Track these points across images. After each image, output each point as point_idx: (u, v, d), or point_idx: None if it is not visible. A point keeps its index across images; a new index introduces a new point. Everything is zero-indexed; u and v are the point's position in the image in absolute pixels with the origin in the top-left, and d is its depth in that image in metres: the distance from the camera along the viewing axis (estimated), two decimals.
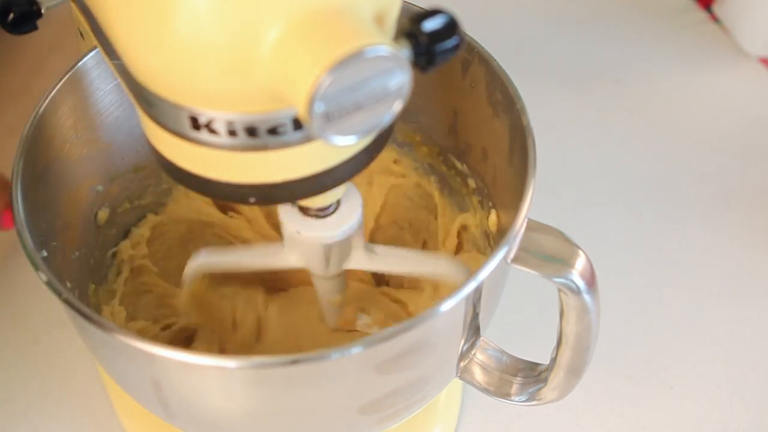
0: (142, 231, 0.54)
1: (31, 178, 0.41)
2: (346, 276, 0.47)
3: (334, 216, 0.42)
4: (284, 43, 0.29)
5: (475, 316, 0.41)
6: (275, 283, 0.56)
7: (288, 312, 0.54)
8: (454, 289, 0.37)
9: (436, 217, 0.55)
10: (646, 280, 0.63)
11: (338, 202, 0.42)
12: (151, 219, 0.54)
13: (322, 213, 0.41)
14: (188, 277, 0.49)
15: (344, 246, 0.43)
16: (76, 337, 0.49)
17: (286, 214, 0.42)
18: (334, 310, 0.50)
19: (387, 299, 0.55)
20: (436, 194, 0.54)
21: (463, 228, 0.52)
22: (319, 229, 0.42)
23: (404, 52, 0.29)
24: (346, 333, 0.53)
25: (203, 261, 0.48)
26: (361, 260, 0.45)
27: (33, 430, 0.55)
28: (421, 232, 0.57)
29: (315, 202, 0.41)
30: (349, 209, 0.42)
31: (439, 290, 0.52)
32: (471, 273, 0.42)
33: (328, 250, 0.43)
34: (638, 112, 0.74)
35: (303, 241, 0.42)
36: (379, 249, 0.46)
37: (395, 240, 0.57)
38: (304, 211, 0.42)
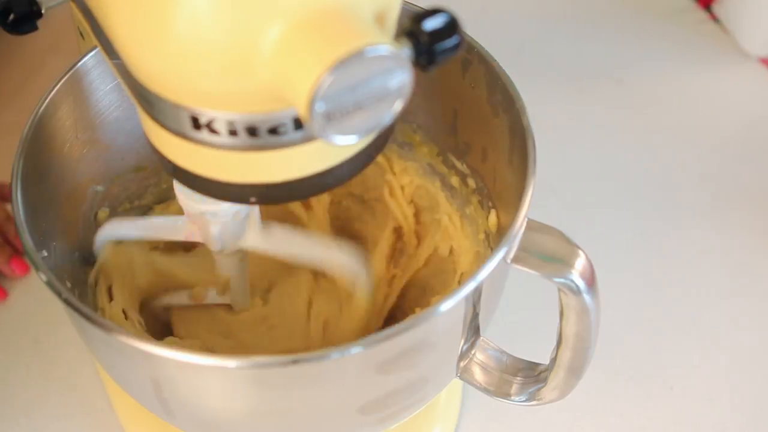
0: None
1: (31, 178, 0.41)
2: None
3: None
4: (285, 43, 0.29)
5: (475, 316, 0.41)
6: None
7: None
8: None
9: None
10: (646, 280, 0.63)
11: None
12: None
13: None
14: (98, 245, 0.49)
15: (238, 224, 0.43)
16: (76, 337, 0.49)
17: (179, 185, 0.40)
18: (240, 289, 0.49)
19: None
20: (439, 194, 0.54)
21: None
22: (206, 203, 0.41)
23: (405, 51, 0.29)
24: None
25: (112, 230, 0.48)
26: (256, 240, 0.45)
27: (33, 430, 0.55)
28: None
29: None
30: None
31: None
32: (365, 269, 0.42)
33: (220, 226, 0.42)
34: (638, 112, 0.74)
35: (193, 214, 0.42)
36: (276, 230, 0.45)
37: None
38: None
